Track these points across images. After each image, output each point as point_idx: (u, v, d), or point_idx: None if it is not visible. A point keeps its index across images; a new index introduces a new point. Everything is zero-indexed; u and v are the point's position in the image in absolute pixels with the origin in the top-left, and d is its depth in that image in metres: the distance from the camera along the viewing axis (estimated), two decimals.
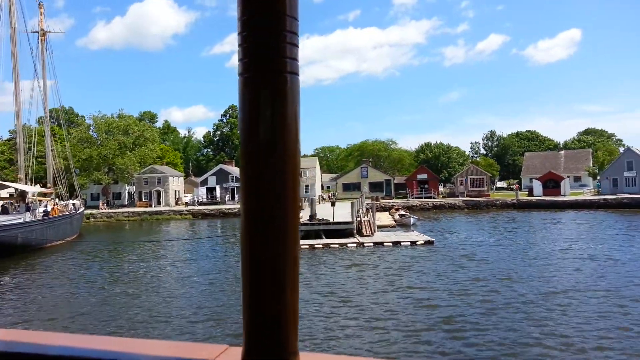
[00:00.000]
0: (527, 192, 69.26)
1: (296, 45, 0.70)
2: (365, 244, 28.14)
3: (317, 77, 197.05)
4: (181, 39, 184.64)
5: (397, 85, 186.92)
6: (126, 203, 77.03)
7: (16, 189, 37.27)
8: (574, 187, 73.49)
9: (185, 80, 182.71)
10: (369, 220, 33.29)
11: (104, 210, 66.16)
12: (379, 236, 30.89)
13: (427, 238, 28.89)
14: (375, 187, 76.40)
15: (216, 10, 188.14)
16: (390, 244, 28.04)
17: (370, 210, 36.57)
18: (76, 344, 0.94)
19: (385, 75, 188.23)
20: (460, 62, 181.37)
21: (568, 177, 71.00)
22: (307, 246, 28.09)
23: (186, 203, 77.30)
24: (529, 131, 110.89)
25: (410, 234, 31.62)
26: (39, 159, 57.51)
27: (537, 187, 68.50)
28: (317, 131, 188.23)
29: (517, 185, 76.52)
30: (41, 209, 35.62)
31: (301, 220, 31.30)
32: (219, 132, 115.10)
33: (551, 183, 68.44)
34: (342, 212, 34.98)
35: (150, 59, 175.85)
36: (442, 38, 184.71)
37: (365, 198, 53.12)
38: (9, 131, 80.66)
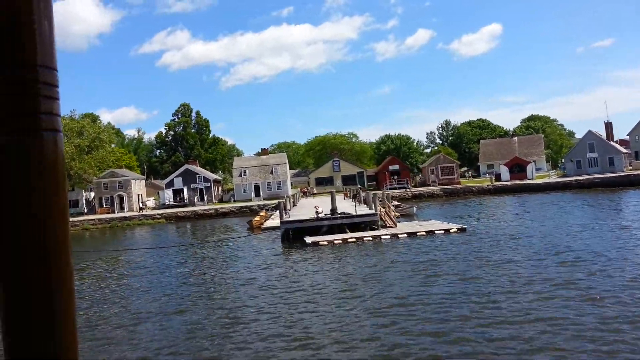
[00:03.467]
0: (494, 178, 71.65)
1: (55, 98, 0.64)
2: (399, 235, 27.48)
3: (253, 74, 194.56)
4: (107, 38, 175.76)
5: (332, 81, 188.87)
6: (85, 210, 71.74)
7: None
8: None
9: (113, 81, 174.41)
10: (386, 212, 32.65)
11: None
12: (402, 227, 30.35)
13: (459, 225, 28.70)
14: (347, 180, 76.03)
15: (144, 7, 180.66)
16: (424, 233, 27.57)
17: (380, 201, 35.87)
18: None
19: (321, 71, 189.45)
20: (391, 57, 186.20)
21: (534, 161, 74.09)
22: (340, 240, 27.03)
23: (152, 207, 73.25)
24: (480, 119, 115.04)
25: (434, 222, 31.31)
26: None
27: (505, 172, 71.06)
28: (256, 129, 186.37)
29: (493, 172, 78.47)
30: None
31: (323, 214, 30.18)
32: (171, 132, 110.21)
33: (517, 168, 71.22)
34: (343, 206, 34.31)
35: (75, 59, 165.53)
36: (373, 34, 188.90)
37: (354, 190, 52.52)
38: None
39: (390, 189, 69.15)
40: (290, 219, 31.48)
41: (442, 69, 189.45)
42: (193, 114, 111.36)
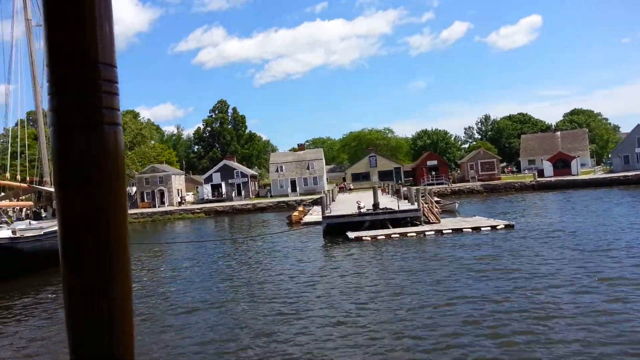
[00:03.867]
0: (537, 174, 69.51)
1: (115, 94, 0.67)
2: (444, 232, 26.94)
3: (287, 71, 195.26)
4: (145, 37, 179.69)
5: (365, 76, 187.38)
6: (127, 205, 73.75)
7: (44, 192, 34.35)
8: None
9: (151, 79, 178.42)
10: (429, 207, 32.09)
11: None
12: (445, 223, 29.77)
13: (506, 222, 27.90)
14: (384, 175, 75.40)
15: (181, 6, 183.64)
16: (470, 230, 26.93)
17: (423, 196, 35.22)
18: None
19: (354, 66, 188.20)
20: (426, 51, 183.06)
21: (578, 156, 71.54)
22: (384, 236, 26.73)
23: (191, 202, 74.64)
24: (520, 114, 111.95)
25: (479, 219, 30.57)
26: (31, 162, 54.17)
27: (548, 168, 68.87)
28: (289, 125, 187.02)
29: (535, 167, 76.31)
30: None
31: (364, 209, 29.91)
32: (209, 129, 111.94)
33: (560, 163, 68.90)
34: (383, 201, 33.88)
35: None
36: (407, 27, 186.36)
37: (393, 186, 51.97)
38: None
39: (428, 184, 68.17)
40: (332, 214, 31.35)
41: (480, 62, 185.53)
42: (230, 110, 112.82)
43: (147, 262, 26.80)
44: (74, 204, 0.65)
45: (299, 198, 65.46)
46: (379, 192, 54.96)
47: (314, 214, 45.15)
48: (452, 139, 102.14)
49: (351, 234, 27.51)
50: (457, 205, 40.91)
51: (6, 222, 28.50)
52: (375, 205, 30.54)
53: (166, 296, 17.52)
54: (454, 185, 66.10)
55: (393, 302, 14.10)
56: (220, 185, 74.93)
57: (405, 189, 41.58)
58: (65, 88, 0.62)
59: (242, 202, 66.57)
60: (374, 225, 29.38)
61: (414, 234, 26.89)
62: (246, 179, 76.52)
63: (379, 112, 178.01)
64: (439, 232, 27.07)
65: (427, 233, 26.98)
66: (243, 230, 42.04)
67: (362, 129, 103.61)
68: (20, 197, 32.21)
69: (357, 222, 29.71)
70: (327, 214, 30.97)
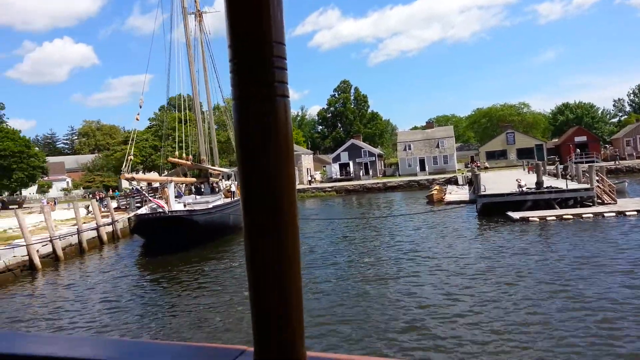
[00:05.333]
0: None
1: (285, 69, 0.75)
2: (627, 213, 23.70)
3: (402, 48, 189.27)
4: None
5: (487, 49, 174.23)
6: None
7: (212, 172, 36.89)
8: None
9: None
10: (601, 187, 28.54)
11: None
12: (624, 204, 26.23)
13: None
14: (523, 153, 69.86)
15: None
16: None
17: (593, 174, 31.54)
18: (84, 346, 0.96)
19: (474, 40, 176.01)
20: (557, 19, 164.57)
21: None
22: (554, 217, 24.26)
23: (320, 181, 76.29)
24: None
25: None
26: (180, 144, 58.80)
27: None
28: (405, 104, 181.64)
29: None
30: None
31: (526, 189, 27.47)
32: (332, 109, 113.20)
33: None
34: (528, 180, 30.66)
35: None
36: None
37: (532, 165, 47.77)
38: (149, 119, 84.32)
39: (576, 163, 61.76)
40: (487, 192, 29.36)
41: (622, 29, 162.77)
42: (352, 90, 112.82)
43: (312, 237, 27.42)
44: (253, 172, 0.72)
45: (429, 177, 63.36)
46: (526, 170, 50.99)
47: (454, 193, 43.18)
48: (600, 112, 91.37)
49: (514, 214, 25.42)
50: (626, 184, 36.17)
51: (180, 196, 31.03)
52: (539, 183, 27.90)
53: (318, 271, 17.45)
54: (611, 163, 59.01)
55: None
56: (348, 164, 75.43)
57: (575, 166, 37.68)
58: (245, 66, 0.72)
59: (371, 181, 66.27)
60: (536, 205, 26.90)
61: (591, 215, 24.02)
62: (373, 158, 76.06)
63: (503, 87, 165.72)
64: (621, 213, 23.87)
65: (605, 214, 23.94)
66: (383, 209, 41.50)
67: (492, 105, 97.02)
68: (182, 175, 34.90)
69: (518, 201, 27.43)
70: (482, 193, 29.06)
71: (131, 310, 14.41)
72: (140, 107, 27.35)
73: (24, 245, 21.59)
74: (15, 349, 0.95)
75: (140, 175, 32.45)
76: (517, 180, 29.43)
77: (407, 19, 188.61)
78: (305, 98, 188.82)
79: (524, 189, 27.83)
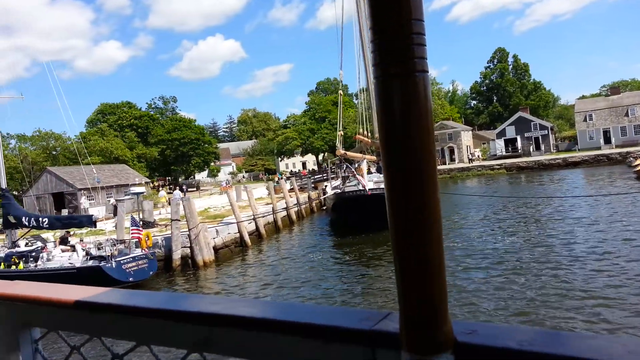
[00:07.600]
0: None
1: (424, 45, 0.76)
2: None
3: (553, 12, 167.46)
4: None
5: None
6: None
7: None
8: None
9: None
10: None
11: None
12: None
13: None
14: None
15: None
16: None
17: None
18: (234, 306, 1.04)
19: None
20: None
21: None
22: None
23: (481, 158, 71.03)
24: None
25: None
26: (333, 125, 58.70)
27: None
28: (562, 73, 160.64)
29: None
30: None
31: None
32: (487, 82, 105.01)
33: None
34: None
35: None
36: None
37: None
38: (305, 103, 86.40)
39: None
40: None
41: None
42: (510, 59, 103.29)
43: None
44: (395, 149, 0.72)
45: (621, 150, 54.54)
46: None
47: None
48: None
49: None
50: None
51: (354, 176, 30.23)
52: None
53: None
54: None
55: None
56: (515, 139, 68.94)
57: None
58: (385, 45, 0.73)
59: (548, 157, 59.41)
60: None
61: None
62: (545, 131, 68.38)
63: None
64: None
65: None
66: (582, 188, 36.09)
67: None
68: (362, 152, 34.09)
69: None
70: None
71: (327, 279, 15.74)
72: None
73: (234, 223, 22.35)
74: (185, 307, 1.05)
75: (350, 152, 32.87)
76: None
77: None
78: (444, 75, 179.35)
79: None
